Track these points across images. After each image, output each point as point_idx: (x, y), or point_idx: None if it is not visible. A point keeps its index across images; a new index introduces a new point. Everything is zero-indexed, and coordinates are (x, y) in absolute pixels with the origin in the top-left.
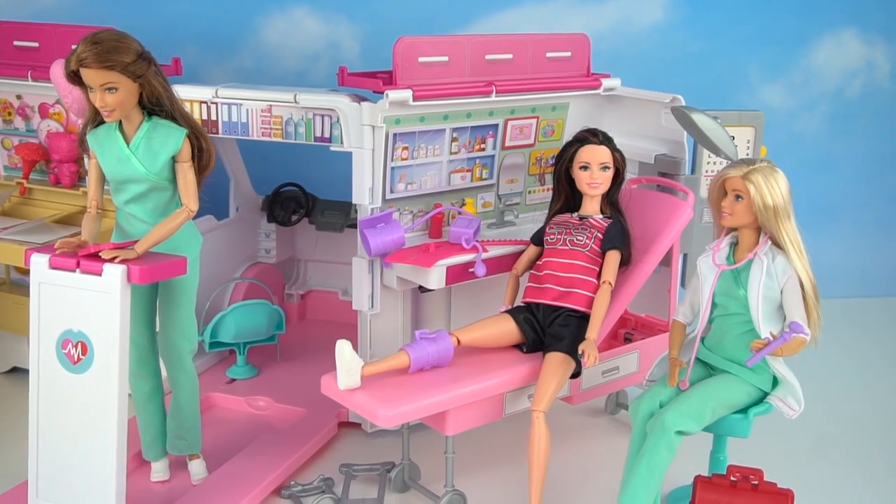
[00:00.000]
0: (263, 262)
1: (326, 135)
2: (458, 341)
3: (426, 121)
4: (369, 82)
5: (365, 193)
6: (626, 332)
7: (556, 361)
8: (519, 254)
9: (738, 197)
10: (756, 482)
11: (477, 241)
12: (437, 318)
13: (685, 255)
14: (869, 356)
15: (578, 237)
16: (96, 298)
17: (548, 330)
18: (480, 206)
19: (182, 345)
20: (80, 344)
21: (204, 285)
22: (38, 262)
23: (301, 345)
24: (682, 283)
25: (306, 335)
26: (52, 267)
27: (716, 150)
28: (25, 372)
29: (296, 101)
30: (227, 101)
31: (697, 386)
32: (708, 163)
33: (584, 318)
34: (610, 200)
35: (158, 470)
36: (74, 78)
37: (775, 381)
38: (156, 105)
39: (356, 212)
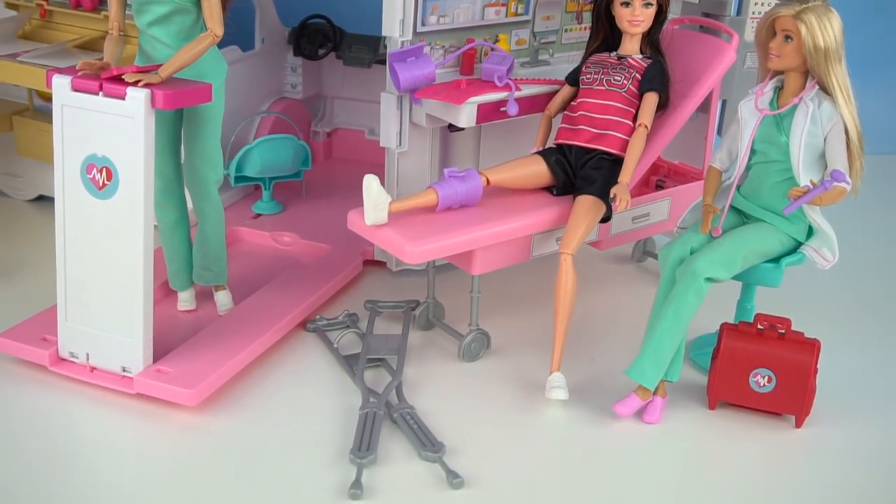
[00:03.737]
0: (289, 97)
1: None
2: (488, 181)
3: None
4: None
5: (395, 25)
6: (658, 178)
7: (587, 204)
8: (552, 94)
9: (787, 38)
10: (783, 331)
11: (510, 79)
12: (465, 157)
13: (724, 102)
14: None
15: (616, 77)
16: (120, 123)
17: (579, 172)
18: (514, 44)
19: (208, 174)
20: (104, 169)
21: (229, 119)
22: (60, 84)
23: (327, 183)
24: (719, 131)
25: (332, 173)
26: (75, 89)
27: None
28: (52, 200)
29: None
30: None
31: (730, 233)
32: (756, 3)
33: (617, 162)
34: (650, 40)
35: (185, 299)
36: None
37: (810, 232)
38: None
39: (385, 46)
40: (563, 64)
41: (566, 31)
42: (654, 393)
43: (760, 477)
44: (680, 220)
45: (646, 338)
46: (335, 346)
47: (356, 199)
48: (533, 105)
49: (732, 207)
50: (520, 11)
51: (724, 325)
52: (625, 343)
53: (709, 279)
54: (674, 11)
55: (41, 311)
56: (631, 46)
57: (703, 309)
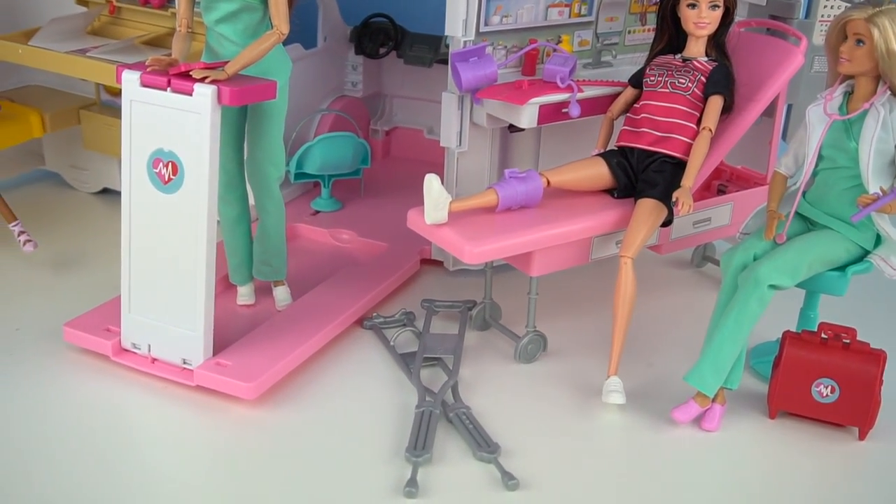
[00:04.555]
0: (349, 95)
1: None
2: (548, 182)
3: None
4: None
5: (458, 25)
6: (721, 183)
7: (648, 208)
8: (615, 96)
9: (859, 41)
10: (848, 341)
11: (572, 80)
12: (525, 158)
13: (790, 106)
14: None
15: (680, 80)
16: (187, 118)
17: (641, 175)
18: (577, 45)
19: (269, 171)
20: (170, 164)
21: (290, 116)
22: (130, 80)
23: (385, 181)
24: (784, 136)
25: (390, 172)
26: (144, 85)
27: None
28: (116, 193)
29: None
30: None
31: (795, 240)
32: (825, 6)
33: (679, 165)
34: (716, 43)
35: (244, 294)
36: None
37: (878, 240)
38: None
39: (446, 46)
40: (626, 66)
41: (629, 32)
42: (714, 400)
43: (821, 489)
44: (743, 225)
45: (706, 344)
46: (391, 343)
47: (414, 198)
48: (595, 107)
49: (797, 214)
50: (583, 12)
51: (786, 333)
52: (683, 348)
53: (772, 286)
54: (740, 14)
55: (105, 302)
56: (696, 49)
57: (765, 316)
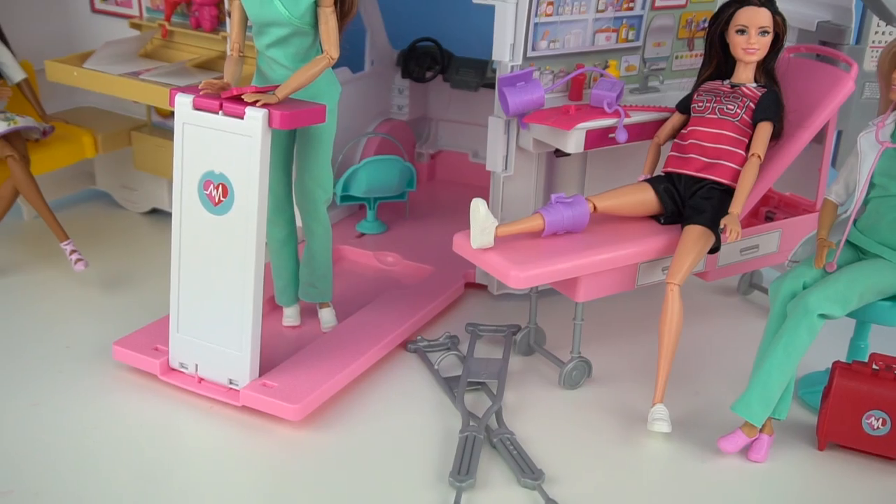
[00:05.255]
0: (396, 118)
1: None
2: (595, 208)
3: None
4: None
5: (506, 50)
6: (769, 210)
7: (696, 234)
8: (662, 121)
9: None
10: None
11: (619, 105)
12: (571, 183)
13: (840, 133)
14: None
15: (728, 106)
16: (238, 141)
17: (688, 202)
18: (624, 70)
19: (317, 193)
20: (220, 186)
21: (337, 138)
22: (183, 103)
23: (430, 204)
24: (834, 163)
25: (435, 195)
26: (196, 108)
27: (889, 18)
28: (164, 213)
29: None
30: None
31: (846, 269)
32: (876, 32)
33: (727, 192)
34: (765, 69)
35: (290, 315)
36: None
37: None
38: None
39: (493, 71)
40: (673, 91)
41: (677, 57)
42: (761, 430)
43: None
44: (792, 253)
45: (754, 373)
46: (436, 367)
47: (459, 221)
48: (641, 132)
49: (848, 242)
50: (630, 38)
51: (836, 364)
52: (730, 377)
53: (822, 315)
54: (790, 40)
55: (154, 322)
56: (745, 75)
57: (814, 345)
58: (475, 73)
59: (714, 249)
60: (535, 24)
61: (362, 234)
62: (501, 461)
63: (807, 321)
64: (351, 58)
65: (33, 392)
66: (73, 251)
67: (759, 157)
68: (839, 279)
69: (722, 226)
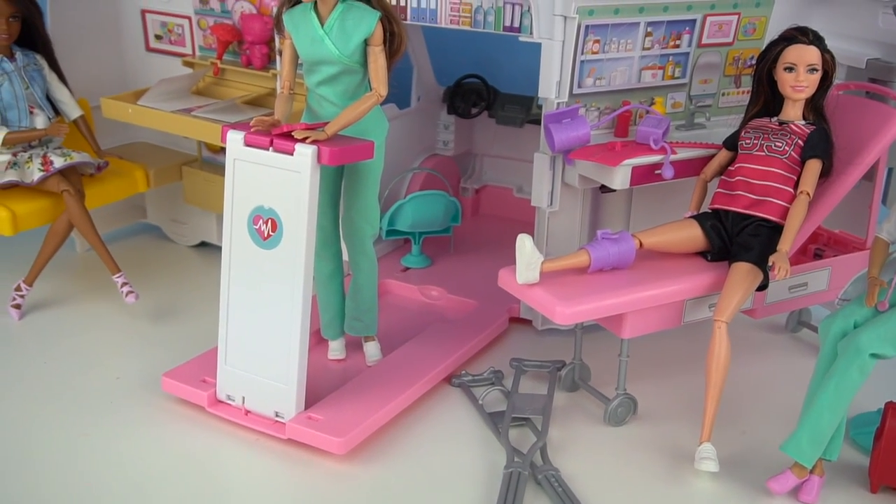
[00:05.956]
0: (441, 153)
1: (516, 24)
2: (641, 244)
3: (621, 13)
4: None
5: (552, 87)
6: (817, 247)
7: (743, 271)
8: (708, 158)
9: None
10: None
11: (665, 142)
12: (616, 219)
13: (891, 170)
14: None
15: (777, 143)
16: (287, 177)
17: (736, 239)
18: (670, 107)
19: (364, 228)
20: (270, 220)
21: (383, 173)
22: (234, 140)
23: (474, 239)
24: (885, 201)
25: (479, 230)
26: (247, 144)
27: None
28: (212, 246)
29: None
30: None
31: None
32: None
33: (775, 229)
34: (814, 106)
35: (335, 349)
36: None
37: None
38: None
39: (538, 107)
40: (720, 128)
41: (723, 94)
42: (811, 471)
43: None
44: (842, 291)
45: (804, 413)
46: (480, 402)
47: (503, 256)
48: (688, 168)
49: None
50: (676, 75)
51: (889, 405)
52: (778, 416)
53: (874, 355)
54: (839, 77)
55: (202, 353)
56: (793, 112)
57: (866, 385)
58: (520, 109)
59: (762, 287)
60: (581, 62)
61: (407, 268)
62: (546, 498)
63: (858, 361)
64: (398, 94)
65: (84, 422)
66: (124, 283)
67: (808, 194)
68: (891, 318)
69: (770, 263)
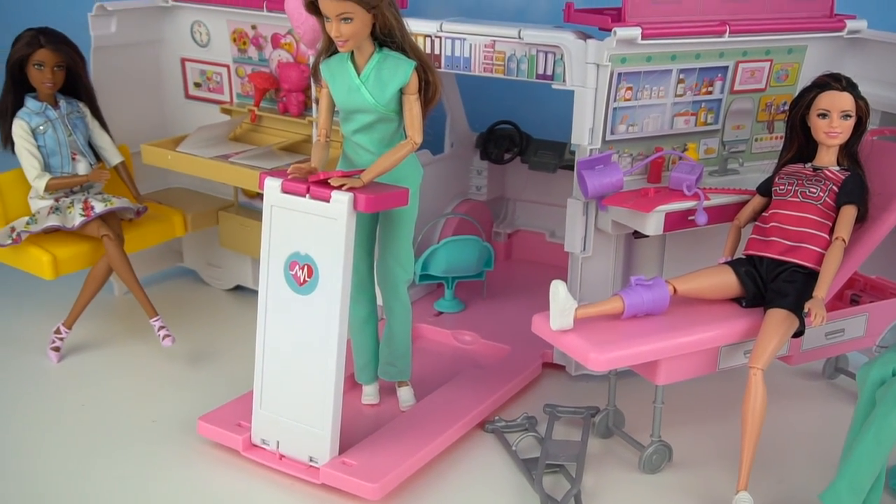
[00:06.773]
0: (474, 198)
1: (549, 72)
2: (675, 290)
3: (653, 60)
4: (596, 19)
5: (585, 134)
6: (854, 293)
7: (779, 318)
8: (742, 204)
9: None
10: None
11: (699, 188)
12: (649, 265)
13: None
14: None
15: (811, 189)
16: (323, 224)
17: (771, 285)
18: (703, 153)
19: (399, 274)
20: (306, 266)
21: (417, 218)
22: (272, 186)
23: (507, 283)
24: None
25: (512, 274)
26: (284, 191)
27: None
28: (248, 290)
29: (520, 37)
30: (452, 35)
31: None
32: None
33: (811, 275)
34: (848, 152)
35: (369, 394)
36: (312, 8)
37: None
38: (387, 36)
39: (571, 153)
40: (753, 173)
41: (756, 140)
42: None
43: None
44: (880, 338)
45: (842, 461)
46: (513, 448)
47: (536, 301)
48: (721, 215)
49: None
50: (709, 121)
51: None
52: (816, 464)
53: None
54: (873, 122)
55: (237, 397)
56: (827, 158)
57: None
58: (553, 154)
59: (798, 333)
60: (614, 109)
61: (440, 313)
62: None
63: None
64: (431, 140)
65: (120, 465)
66: (161, 327)
67: (843, 240)
68: None
69: (806, 309)
